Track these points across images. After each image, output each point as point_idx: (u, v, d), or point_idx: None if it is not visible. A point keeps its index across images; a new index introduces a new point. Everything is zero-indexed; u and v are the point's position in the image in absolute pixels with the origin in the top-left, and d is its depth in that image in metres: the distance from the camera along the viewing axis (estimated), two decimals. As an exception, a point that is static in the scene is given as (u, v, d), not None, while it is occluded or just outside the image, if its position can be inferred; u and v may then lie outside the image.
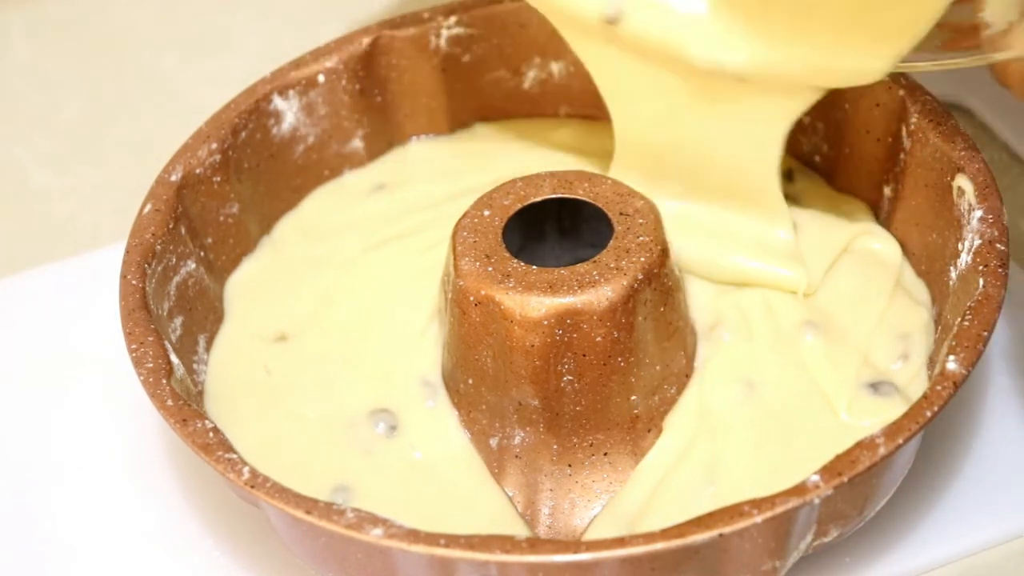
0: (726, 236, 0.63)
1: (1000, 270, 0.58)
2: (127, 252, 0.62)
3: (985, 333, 0.56)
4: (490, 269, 0.58)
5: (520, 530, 0.58)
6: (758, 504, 0.52)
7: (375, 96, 0.70)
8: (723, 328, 0.61)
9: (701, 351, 0.61)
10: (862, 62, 0.58)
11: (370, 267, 0.66)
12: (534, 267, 0.58)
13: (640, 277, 0.58)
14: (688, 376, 0.61)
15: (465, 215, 0.61)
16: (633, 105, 0.64)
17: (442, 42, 0.70)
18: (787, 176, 0.66)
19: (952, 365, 0.55)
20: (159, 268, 0.62)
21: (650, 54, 0.61)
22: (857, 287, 0.62)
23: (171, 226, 0.63)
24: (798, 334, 0.61)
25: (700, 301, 0.62)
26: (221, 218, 0.66)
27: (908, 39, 0.57)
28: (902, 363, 0.60)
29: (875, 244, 0.64)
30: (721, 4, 0.60)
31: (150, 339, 0.59)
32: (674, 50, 0.60)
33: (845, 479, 0.53)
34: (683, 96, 0.62)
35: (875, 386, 0.59)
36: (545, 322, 0.57)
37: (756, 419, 0.59)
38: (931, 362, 0.60)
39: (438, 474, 0.60)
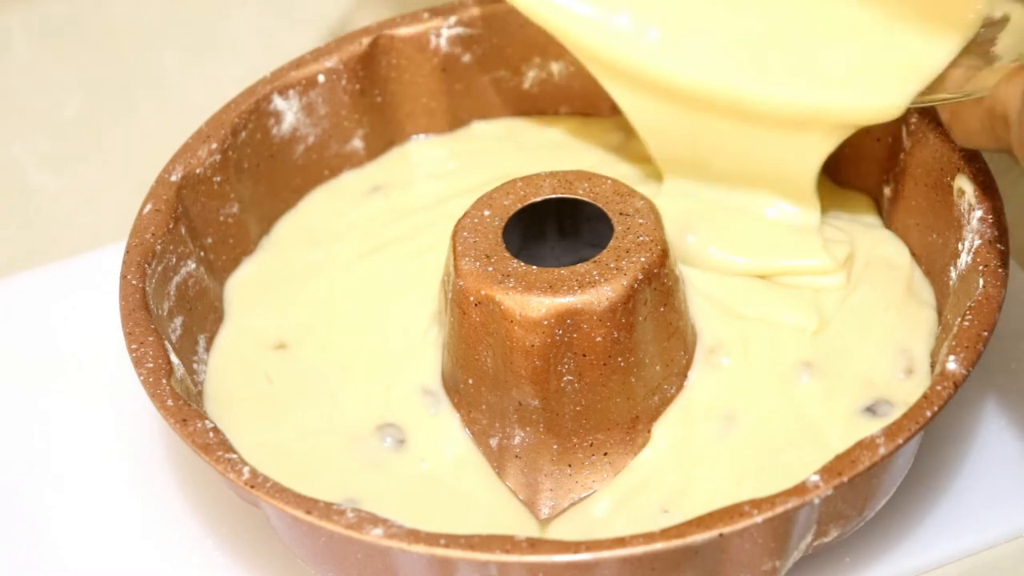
0: (753, 229, 0.64)
1: (1000, 270, 0.58)
2: (127, 252, 0.62)
3: (985, 333, 0.56)
4: (490, 269, 0.58)
5: (533, 530, 0.59)
6: (758, 504, 0.52)
7: (375, 96, 0.70)
8: (723, 353, 0.61)
9: (697, 368, 0.61)
10: (882, 100, 0.59)
11: (369, 271, 0.66)
12: (534, 267, 0.58)
13: (640, 277, 0.58)
14: (685, 377, 0.60)
15: (465, 215, 0.61)
16: (667, 136, 0.64)
17: (442, 42, 0.70)
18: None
19: (952, 365, 0.55)
20: (159, 268, 0.62)
21: (686, 99, 0.62)
22: (866, 305, 0.62)
23: (171, 226, 0.63)
24: (794, 374, 0.60)
25: (706, 322, 0.61)
26: (221, 218, 0.66)
27: (926, 75, 0.58)
28: (905, 376, 0.60)
29: (886, 253, 0.64)
30: (748, 49, 0.61)
31: (150, 339, 0.59)
32: (722, 94, 0.61)
33: (845, 479, 0.53)
34: (719, 136, 0.63)
35: (872, 408, 0.59)
36: (545, 322, 0.57)
37: (729, 457, 0.58)
38: (934, 363, 0.60)
39: (447, 482, 0.59)
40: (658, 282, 0.59)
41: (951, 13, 0.59)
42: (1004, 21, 0.59)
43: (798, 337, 0.61)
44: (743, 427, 0.59)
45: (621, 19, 0.62)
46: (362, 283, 0.65)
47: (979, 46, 0.59)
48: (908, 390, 0.59)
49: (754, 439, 0.59)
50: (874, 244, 0.64)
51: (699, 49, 0.62)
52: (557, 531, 0.58)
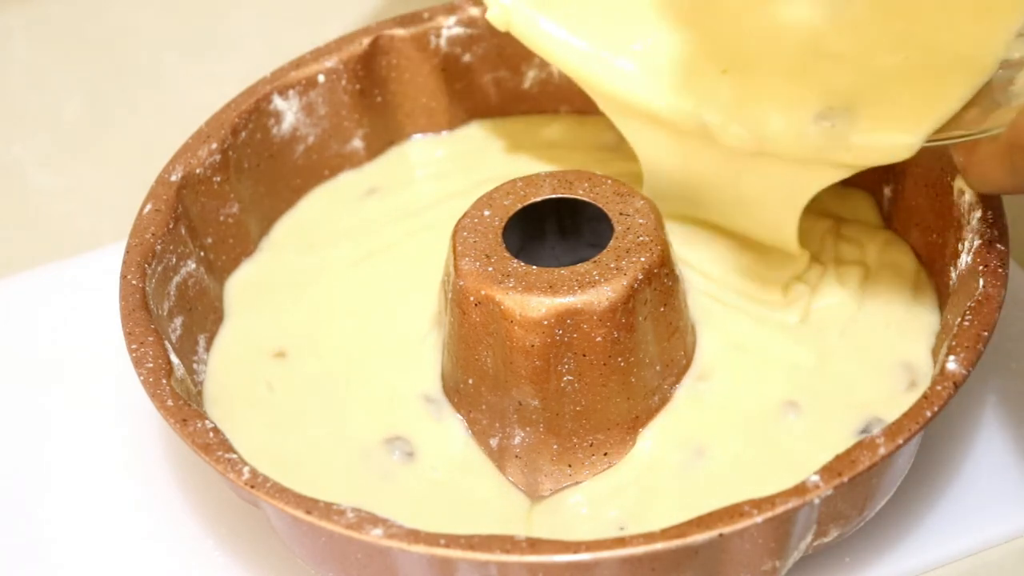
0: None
1: (1000, 270, 0.58)
2: (127, 252, 0.62)
3: (985, 333, 0.56)
4: (490, 269, 0.58)
5: (524, 511, 0.59)
6: (758, 504, 0.52)
7: (375, 96, 0.70)
8: (712, 382, 0.61)
9: (684, 390, 0.60)
10: (895, 139, 0.58)
11: (368, 274, 0.66)
12: (534, 267, 0.58)
13: (640, 277, 0.58)
14: (681, 383, 0.60)
15: (465, 215, 0.61)
16: (666, 166, 0.63)
17: (442, 42, 0.70)
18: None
19: (952, 365, 0.55)
20: (159, 268, 0.62)
21: (694, 137, 0.61)
22: (868, 326, 0.61)
23: (171, 226, 0.63)
24: (779, 414, 0.60)
25: (703, 345, 0.61)
26: (221, 218, 0.66)
27: (941, 116, 0.57)
28: (907, 389, 0.60)
29: (892, 260, 0.63)
30: (755, 88, 0.60)
31: (150, 339, 0.59)
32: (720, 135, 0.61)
33: (845, 479, 0.53)
34: (719, 164, 0.62)
35: (866, 430, 0.58)
36: (545, 322, 0.57)
37: (689, 492, 0.58)
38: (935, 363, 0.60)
39: (456, 487, 0.59)
40: (658, 282, 0.59)
41: (969, 56, 0.58)
42: (1022, 63, 0.58)
43: (792, 373, 0.61)
44: (709, 464, 0.58)
45: (626, 57, 0.62)
46: (362, 286, 0.65)
47: (996, 87, 0.58)
48: (910, 403, 0.58)
49: (718, 478, 0.58)
50: (880, 250, 0.64)
51: (708, 86, 0.61)
52: (539, 516, 0.58)
